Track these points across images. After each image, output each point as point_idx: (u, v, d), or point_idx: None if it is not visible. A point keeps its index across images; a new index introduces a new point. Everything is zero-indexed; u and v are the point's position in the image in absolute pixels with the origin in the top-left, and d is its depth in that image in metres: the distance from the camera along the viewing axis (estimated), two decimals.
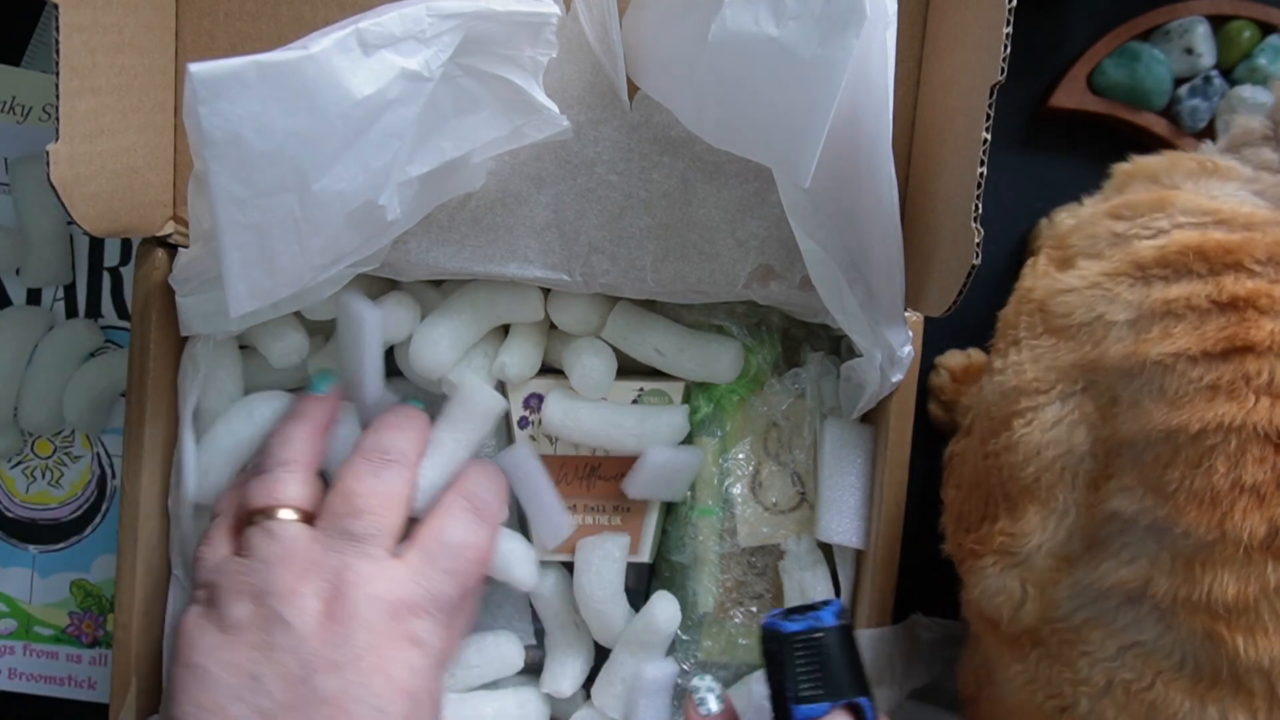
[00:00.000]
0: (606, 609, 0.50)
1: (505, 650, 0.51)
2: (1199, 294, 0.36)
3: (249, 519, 0.44)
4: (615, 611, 0.50)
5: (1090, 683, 0.38)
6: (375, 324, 0.48)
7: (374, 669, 0.41)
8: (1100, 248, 0.39)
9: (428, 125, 0.41)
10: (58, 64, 0.39)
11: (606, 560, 0.50)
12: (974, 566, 0.41)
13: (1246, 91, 0.52)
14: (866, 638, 0.49)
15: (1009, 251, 0.57)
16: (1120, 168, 0.42)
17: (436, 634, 0.43)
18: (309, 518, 0.44)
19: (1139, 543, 0.37)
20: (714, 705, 0.42)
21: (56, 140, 0.39)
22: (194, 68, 0.35)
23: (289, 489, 0.44)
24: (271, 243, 0.39)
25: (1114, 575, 0.37)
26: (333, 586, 0.41)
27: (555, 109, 0.44)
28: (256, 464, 0.46)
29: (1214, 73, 0.53)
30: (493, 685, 0.52)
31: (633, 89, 0.47)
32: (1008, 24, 0.38)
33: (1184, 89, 0.53)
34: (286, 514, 0.43)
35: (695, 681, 0.43)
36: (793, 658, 0.39)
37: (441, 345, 0.49)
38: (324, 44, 0.37)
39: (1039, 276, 0.41)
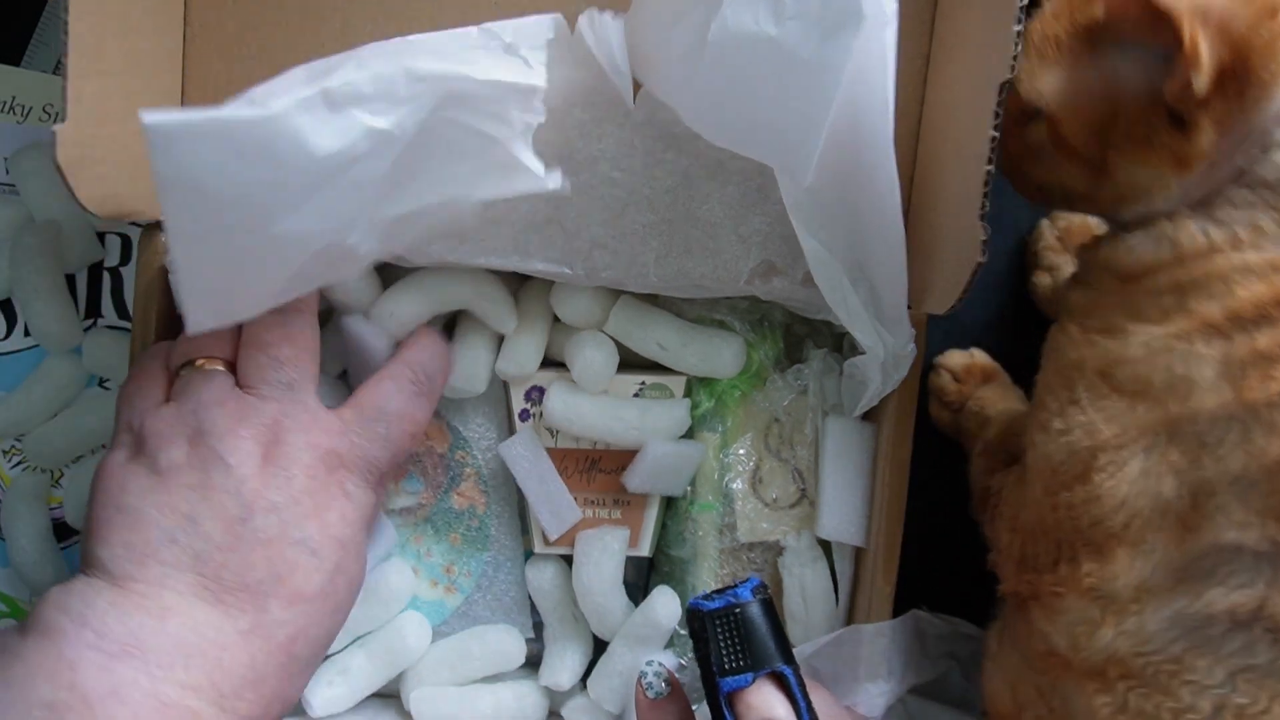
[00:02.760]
0: (605, 602, 0.50)
1: (507, 644, 0.51)
2: None
3: (178, 371, 0.43)
4: (614, 605, 0.50)
5: (1196, 709, 0.39)
6: (383, 351, 0.48)
7: (310, 513, 0.41)
8: (1151, 314, 0.40)
9: (402, 177, 0.40)
10: (66, 44, 0.38)
11: (605, 553, 0.50)
12: (1055, 605, 0.42)
13: None
14: (865, 634, 0.49)
15: (1009, 251, 0.57)
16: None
17: (365, 493, 0.43)
18: (234, 370, 0.43)
19: (1251, 569, 0.38)
20: (662, 687, 0.43)
21: (64, 121, 0.39)
22: (148, 118, 0.33)
23: (218, 344, 0.43)
24: (230, 277, 0.38)
25: (1224, 601, 0.38)
26: (270, 431, 0.41)
27: (542, 172, 0.42)
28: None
29: None
30: (491, 679, 0.52)
31: (636, 86, 0.47)
32: (1018, 21, 0.38)
33: None
34: (215, 365, 0.43)
35: (644, 666, 0.44)
36: (715, 633, 0.41)
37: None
38: (285, 103, 0.35)
39: (1084, 346, 0.41)
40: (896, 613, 0.50)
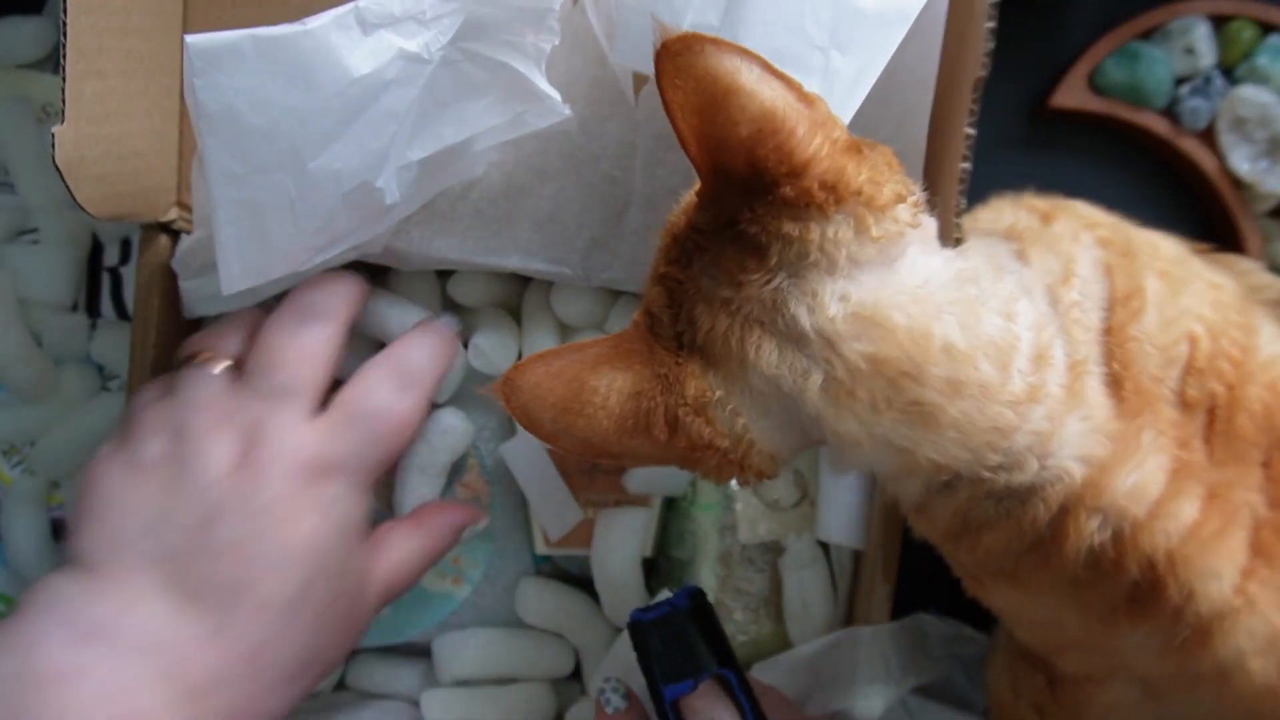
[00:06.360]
0: (624, 582, 0.50)
1: (556, 651, 0.52)
2: None
3: (180, 365, 0.44)
4: (632, 584, 0.50)
5: None
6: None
7: (281, 521, 0.40)
8: None
9: (427, 109, 0.41)
10: (64, 45, 0.39)
11: (627, 530, 0.50)
12: None
13: (1248, 91, 0.52)
14: (863, 636, 0.49)
15: None
16: None
17: (348, 498, 0.43)
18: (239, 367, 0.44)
19: None
20: (619, 702, 0.43)
21: (62, 123, 0.39)
22: (191, 39, 0.35)
23: (227, 340, 0.44)
24: (266, 220, 0.40)
25: None
26: (248, 437, 0.41)
27: (557, 97, 0.44)
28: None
29: (1215, 72, 0.53)
30: (502, 681, 0.52)
31: (639, 83, 0.47)
32: (990, 19, 0.38)
33: (1185, 88, 0.53)
34: (218, 364, 0.43)
35: (601, 684, 0.44)
36: (656, 643, 0.41)
37: None
38: (322, 20, 0.37)
39: None
40: (896, 615, 0.49)
